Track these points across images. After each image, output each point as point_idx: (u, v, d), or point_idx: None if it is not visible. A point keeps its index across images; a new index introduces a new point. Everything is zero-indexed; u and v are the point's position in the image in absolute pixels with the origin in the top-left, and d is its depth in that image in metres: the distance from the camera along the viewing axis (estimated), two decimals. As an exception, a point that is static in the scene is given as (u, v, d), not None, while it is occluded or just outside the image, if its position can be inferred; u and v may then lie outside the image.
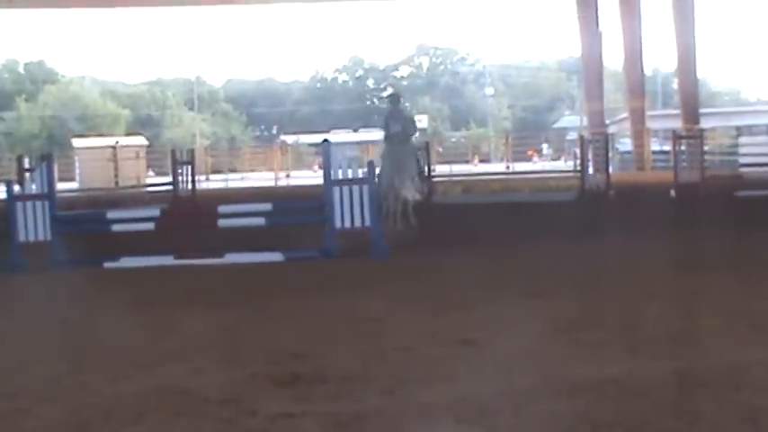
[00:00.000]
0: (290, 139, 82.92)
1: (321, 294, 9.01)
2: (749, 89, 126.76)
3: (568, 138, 71.02)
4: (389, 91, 17.61)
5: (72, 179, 45.30)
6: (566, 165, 51.11)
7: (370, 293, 8.89)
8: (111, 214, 13.27)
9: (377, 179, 13.32)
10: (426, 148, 24.11)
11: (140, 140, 53.48)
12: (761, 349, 5.85)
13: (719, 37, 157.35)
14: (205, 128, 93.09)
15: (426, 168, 17.48)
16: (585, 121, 47.74)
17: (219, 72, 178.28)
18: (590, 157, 23.71)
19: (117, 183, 38.65)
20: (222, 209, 12.79)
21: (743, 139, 36.02)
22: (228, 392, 5.25)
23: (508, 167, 47.49)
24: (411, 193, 15.67)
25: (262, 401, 5.04)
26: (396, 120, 16.22)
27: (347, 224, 11.70)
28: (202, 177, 41.54)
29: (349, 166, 11.95)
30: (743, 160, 31.86)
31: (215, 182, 45.79)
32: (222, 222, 12.37)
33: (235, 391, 5.27)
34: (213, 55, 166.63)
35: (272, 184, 43.12)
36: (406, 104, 17.58)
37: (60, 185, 25.55)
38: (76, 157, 47.32)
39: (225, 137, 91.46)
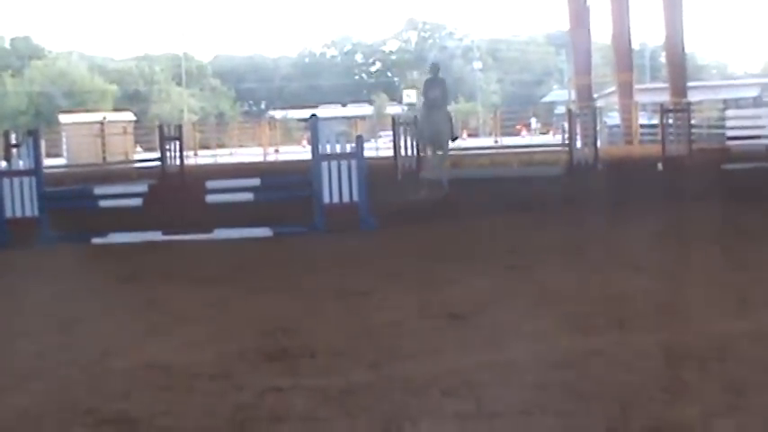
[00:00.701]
0: (278, 114, 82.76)
1: (309, 269, 9.01)
2: (736, 63, 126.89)
3: (557, 112, 71.00)
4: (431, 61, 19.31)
5: (59, 155, 45.11)
6: (554, 139, 51.12)
7: (358, 268, 8.90)
8: (98, 190, 13.23)
9: (415, 140, 17.90)
10: (414, 122, 24.08)
11: (128, 116, 53.26)
12: (746, 320, 5.88)
13: (707, 11, 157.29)
14: (193, 103, 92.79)
15: (456, 135, 19.19)
16: (574, 95, 47.64)
17: (207, 47, 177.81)
18: (578, 130, 23.73)
19: (104, 158, 38.47)
20: (210, 184, 12.76)
21: (729, 113, 36.01)
22: (217, 367, 5.26)
23: (497, 141, 47.50)
24: (440, 165, 17.82)
25: (250, 376, 5.05)
26: (434, 87, 17.97)
27: (335, 199, 11.69)
28: (190, 153, 41.35)
29: (337, 141, 11.93)
30: (729, 133, 31.86)
31: (203, 157, 45.64)
32: (210, 198, 12.35)
33: (223, 366, 5.28)
34: (201, 30, 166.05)
35: (260, 159, 43.01)
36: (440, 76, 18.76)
37: (47, 161, 25.50)
38: (64, 133, 47.10)
39: (213, 112, 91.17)
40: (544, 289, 7.24)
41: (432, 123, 17.75)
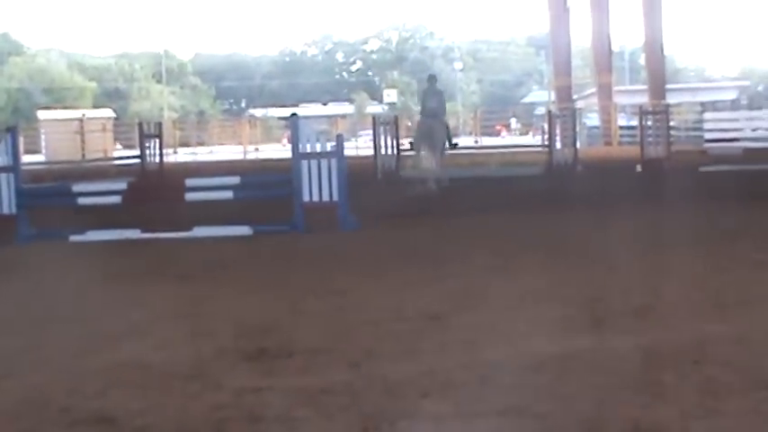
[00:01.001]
0: (258, 112, 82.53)
1: (288, 268, 8.99)
2: (714, 66, 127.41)
3: (536, 113, 71.11)
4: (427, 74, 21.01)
5: (38, 152, 44.88)
6: (534, 139, 51.19)
7: (338, 267, 8.88)
8: (77, 187, 13.17)
9: (413, 145, 18.75)
10: (395, 122, 24.08)
11: (107, 113, 53.08)
12: (724, 323, 5.89)
13: (686, 14, 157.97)
14: (173, 101, 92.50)
15: (450, 142, 19.69)
16: (553, 97, 47.76)
17: (188, 45, 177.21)
18: (558, 131, 23.75)
19: (83, 156, 38.33)
20: (190, 182, 12.72)
21: (707, 115, 36.11)
22: (194, 366, 5.24)
23: (476, 142, 47.52)
24: (434, 166, 18.34)
25: (228, 375, 5.03)
26: (432, 97, 18.85)
27: (315, 198, 11.66)
28: (170, 151, 41.23)
29: (317, 140, 11.90)
30: (707, 136, 32.00)
31: (183, 155, 45.54)
32: (190, 196, 12.30)
33: (201, 366, 5.25)
34: (182, 28, 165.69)
35: (240, 157, 42.94)
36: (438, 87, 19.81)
37: (26, 158, 25.37)
38: (42, 130, 46.87)
39: (193, 110, 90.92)
40: (523, 290, 7.24)
41: (429, 132, 18.44)
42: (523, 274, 8.04)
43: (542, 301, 6.76)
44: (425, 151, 18.40)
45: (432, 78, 19.76)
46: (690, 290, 7.05)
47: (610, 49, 44.94)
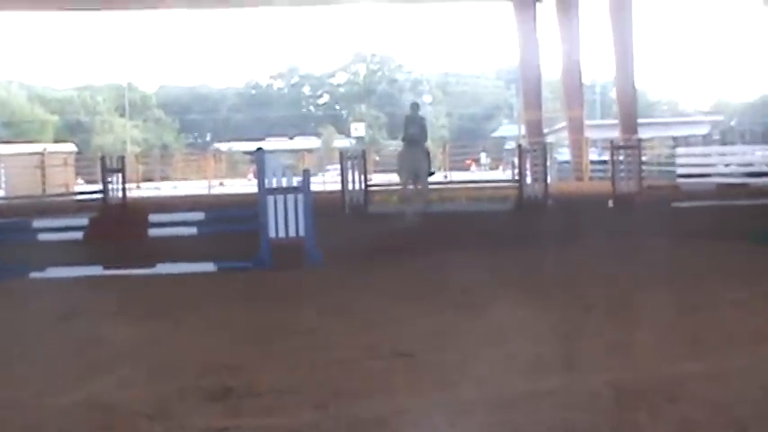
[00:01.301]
0: (223, 146, 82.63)
1: (254, 306, 8.96)
2: (686, 100, 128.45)
3: (507, 147, 71.52)
4: (412, 100, 22.35)
5: (-2, 186, 44.65)
6: (504, 174, 51.44)
7: (304, 305, 8.86)
8: (37, 223, 13.07)
9: (398, 172, 19.61)
10: (363, 156, 24.12)
11: (69, 147, 52.78)
12: (698, 361, 5.92)
13: (657, 48, 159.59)
14: (136, 134, 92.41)
15: (432, 170, 20.55)
16: (524, 131, 48.09)
17: (152, 77, 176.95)
18: (528, 166, 23.86)
19: (44, 190, 38.13)
20: (153, 218, 12.67)
21: (680, 150, 36.49)
22: (158, 407, 5.20)
23: (446, 176, 47.66)
24: (418, 201, 19.26)
25: (192, 416, 4.99)
26: (413, 124, 19.54)
27: (281, 234, 11.66)
28: (133, 185, 41.11)
29: (284, 175, 11.91)
30: (680, 171, 32.30)
31: (146, 190, 45.41)
32: (153, 231, 12.26)
33: (164, 406, 5.22)
34: (145, 60, 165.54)
35: (205, 192, 42.86)
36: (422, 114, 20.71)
37: (-15, 193, 25.18)
38: (2, 164, 46.52)
39: (157, 144, 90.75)
40: (493, 328, 7.25)
41: (411, 159, 19.26)
42: (494, 311, 8.05)
43: (514, 339, 6.76)
44: (407, 180, 19.18)
45: (414, 106, 20.51)
46: (663, 328, 7.09)
47: (581, 82, 45.34)
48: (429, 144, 21.52)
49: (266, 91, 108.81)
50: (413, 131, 19.43)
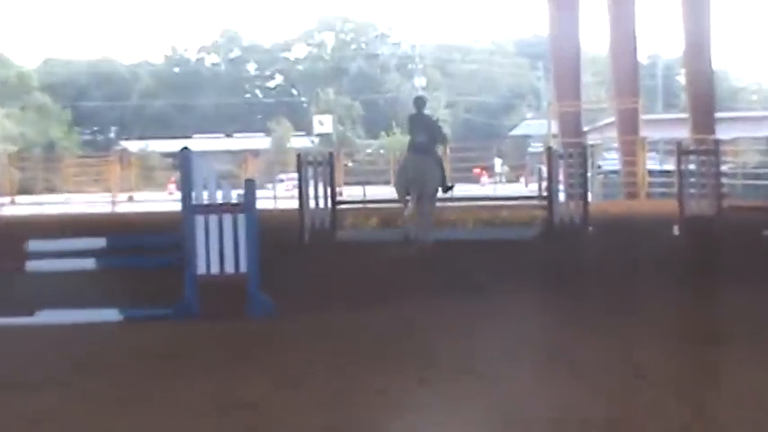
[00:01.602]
0: (134, 145, 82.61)
1: (175, 371, 8.95)
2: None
3: (530, 150, 71.81)
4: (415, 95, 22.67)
5: None
6: (527, 188, 51.59)
7: (245, 370, 8.86)
8: None
9: (395, 187, 19.74)
10: (330, 161, 24.05)
11: None
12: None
13: (744, 15, 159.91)
14: (10, 127, 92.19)
15: (450, 184, 21.00)
16: (555, 128, 48.16)
17: (34, 49, 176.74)
18: (561, 177, 23.91)
19: None
20: (34, 245, 12.66)
21: (775, 157, 36.68)
22: None
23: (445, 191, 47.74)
24: (423, 225, 19.52)
25: None
26: (420, 127, 19.98)
27: (214, 269, 11.65)
28: (6, 200, 41.05)
29: (218, 187, 11.91)
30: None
31: (24, 206, 45.34)
32: (33, 264, 12.25)
33: None
34: (25, 25, 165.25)
35: (108, 210, 42.83)
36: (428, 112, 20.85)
37: None
38: None
39: (40, 141, 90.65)
40: (500, 405, 7.27)
41: (416, 168, 19.36)
42: (502, 382, 8.05)
43: (533, 423, 6.79)
44: (410, 199, 19.19)
45: (419, 102, 20.77)
46: (745, 410, 7.12)
47: (636, 60, 45.41)
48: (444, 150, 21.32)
49: (195, 68, 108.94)
50: (421, 140, 19.72)
